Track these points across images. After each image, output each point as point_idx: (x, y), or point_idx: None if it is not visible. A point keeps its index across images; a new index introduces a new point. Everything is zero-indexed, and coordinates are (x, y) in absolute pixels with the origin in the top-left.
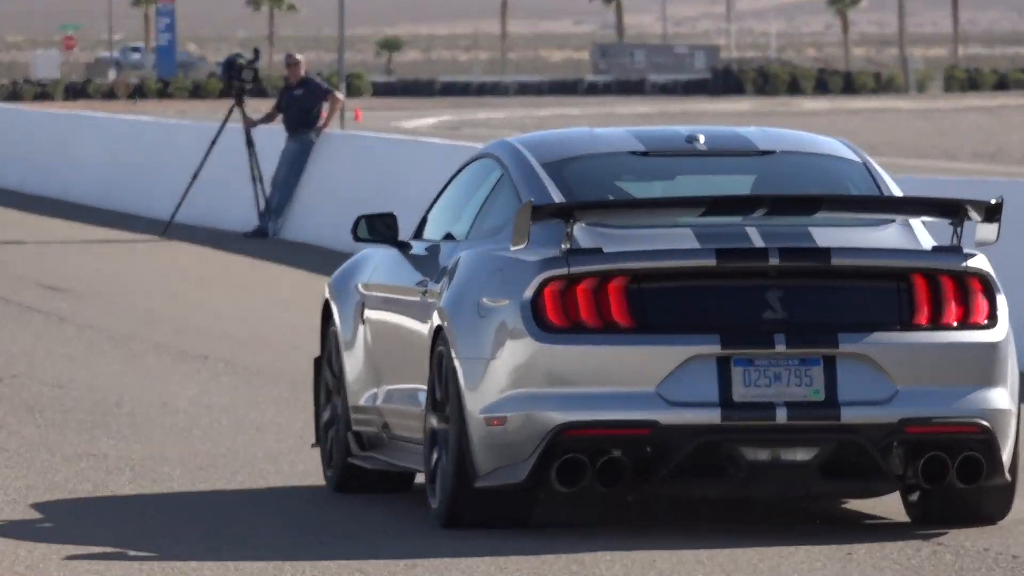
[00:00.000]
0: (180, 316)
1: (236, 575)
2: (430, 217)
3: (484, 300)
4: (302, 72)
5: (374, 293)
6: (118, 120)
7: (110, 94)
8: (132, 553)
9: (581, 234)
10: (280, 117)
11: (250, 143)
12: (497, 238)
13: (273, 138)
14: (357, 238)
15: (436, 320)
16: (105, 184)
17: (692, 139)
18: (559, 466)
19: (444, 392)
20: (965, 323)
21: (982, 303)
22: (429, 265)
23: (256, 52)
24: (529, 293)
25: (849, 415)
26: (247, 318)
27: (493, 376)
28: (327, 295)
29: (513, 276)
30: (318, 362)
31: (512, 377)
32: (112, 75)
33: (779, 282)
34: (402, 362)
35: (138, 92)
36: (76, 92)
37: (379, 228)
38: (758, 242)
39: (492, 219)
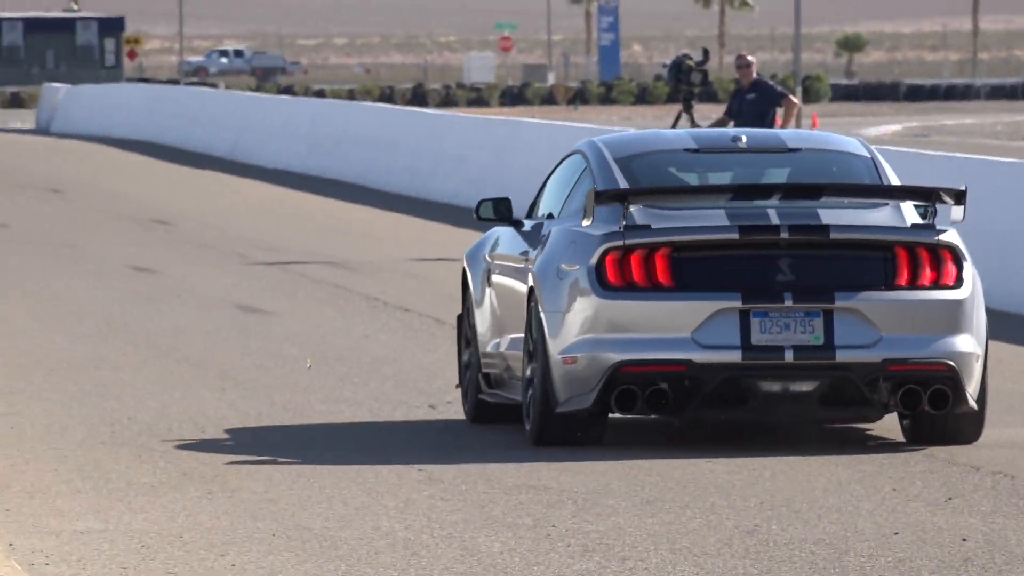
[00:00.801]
0: None
1: None
2: (538, 201)
3: (562, 265)
4: (754, 74)
5: (496, 262)
6: (556, 127)
7: (549, 99)
8: None
9: (636, 213)
10: (731, 123)
11: None
12: (576, 217)
13: None
14: (480, 218)
15: (530, 282)
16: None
17: (736, 139)
18: (617, 395)
19: (533, 339)
20: (937, 284)
21: (951, 269)
22: (532, 239)
23: (705, 53)
24: (594, 260)
25: (843, 356)
26: None
27: (567, 325)
28: (464, 265)
29: (582, 247)
30: (459, 318)
31: (581, 326)
32: (551, 79)
33: (788, 252)
34: (514, 316)
35: (579, 97)
36: (513, 97)
37: (499, 210)
38: (774, 220)
39: (576, 202)
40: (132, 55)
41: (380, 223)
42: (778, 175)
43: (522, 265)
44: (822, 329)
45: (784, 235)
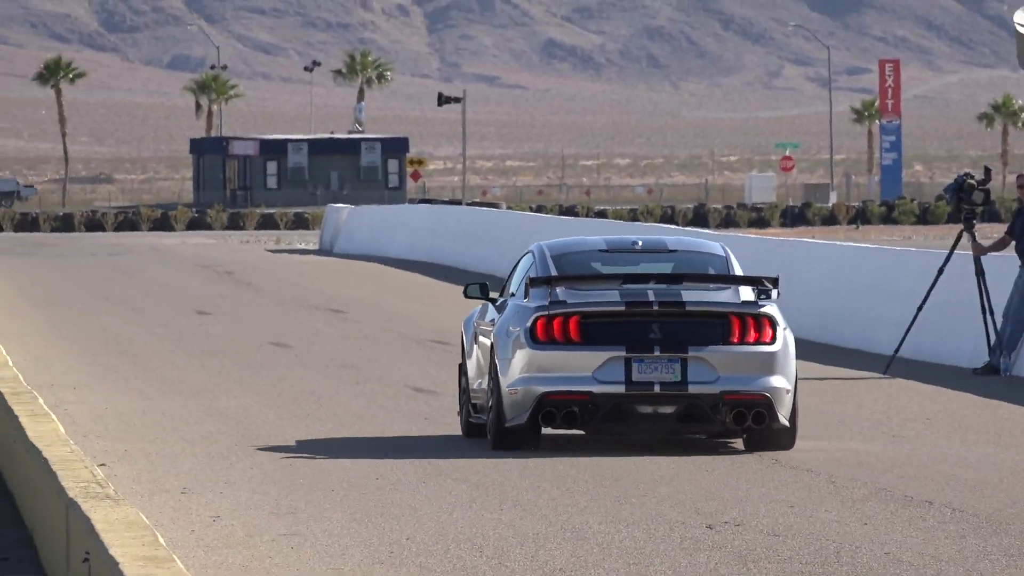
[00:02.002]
0: (903, 459)
1: None
2: (507, 284)
3: (510, 327)
4: None
5: (480, 326)
6: (836, 247)
7: (830, 219)
8: None
9: (559, 292)
10: (1012, 244)
11: (980, 272)
12: (522, 296)
13: (1005, 266)
14: (467, 296)
15: (490, 340)
16: (823, 316)
17: (635, 243)
18: (543, 415)
19: (492, 378)
20: (759, 341)
21: (769, 331)
22: (498, 310)
23: (987, 172)
24: (528, 324)
25: (693, 389)
26: (975, 461)
27: (511, 368)
28: (462, 329)
29: (522, 315)
30: (460, 366)
31: (520, 368)
32: (833, 198)
33: (658, 319)
34: (486, 364)
35: (860, 217)
36: (794, 217)
37: (482, 291)
38: (650, 298)
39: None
40: (416, 176)
41: None
42: (662, 268)
43: (491, 329)
44: (679, 371)
45: (655, 308)
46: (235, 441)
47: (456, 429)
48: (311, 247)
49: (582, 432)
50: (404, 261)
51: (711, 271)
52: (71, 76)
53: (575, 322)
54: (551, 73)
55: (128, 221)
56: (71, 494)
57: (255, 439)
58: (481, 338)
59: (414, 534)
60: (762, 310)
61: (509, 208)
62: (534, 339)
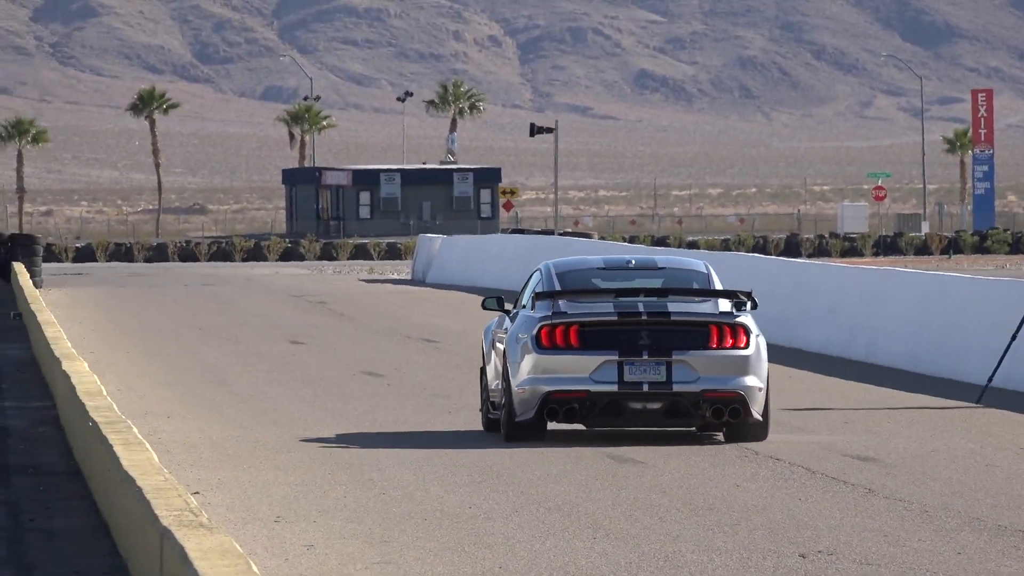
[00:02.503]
0: (996, 489)
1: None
2: (520, 298)
3: (519, 335)
4: None
5: (497, 334)
6: (928, 276)
7: (923, 248)
8: None
9: (561, 304)
10: None
11: None
12: (530, 307)
13: None
14: (485, 308)
15: (503, 345)
16: (914, 345)
17: (628, 262)
18: (547, 411)
19: (504, 379)
20: (734, 347)
21: (743, 338)
22: (511, 320)
23: None
24: (534, 332)
25: (677, 388)
26: None
27: (520, 370)
28: (482, 337)
29: (529, 324)
30: (481, 370)
31: (527, 370)
32: (925, 228)
33: (646, 327)
34: (501, 367)
35: (953, 246)
36: (886, 246)
37: (498, 304)
38: (640, 309)
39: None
40: (508, 206)
41: None
42: (652, 283)
43: (504, 335)
44: (665, 372)
45: (644, 318)
46: (328, 470)
47: (555, 460)
48: (403, 277)
49: (583, 427)
50: (496, 290)
51: (695, 286)
52: (165, 107)
53: (575, 330)
54: (643, 103)
55: (221, 251)
56: (165, 522)
57: (348, 468)
58: (497, 344)
59: (507, 563)
60: (737, 320)
61: (601, 238)
62: (539, 345)
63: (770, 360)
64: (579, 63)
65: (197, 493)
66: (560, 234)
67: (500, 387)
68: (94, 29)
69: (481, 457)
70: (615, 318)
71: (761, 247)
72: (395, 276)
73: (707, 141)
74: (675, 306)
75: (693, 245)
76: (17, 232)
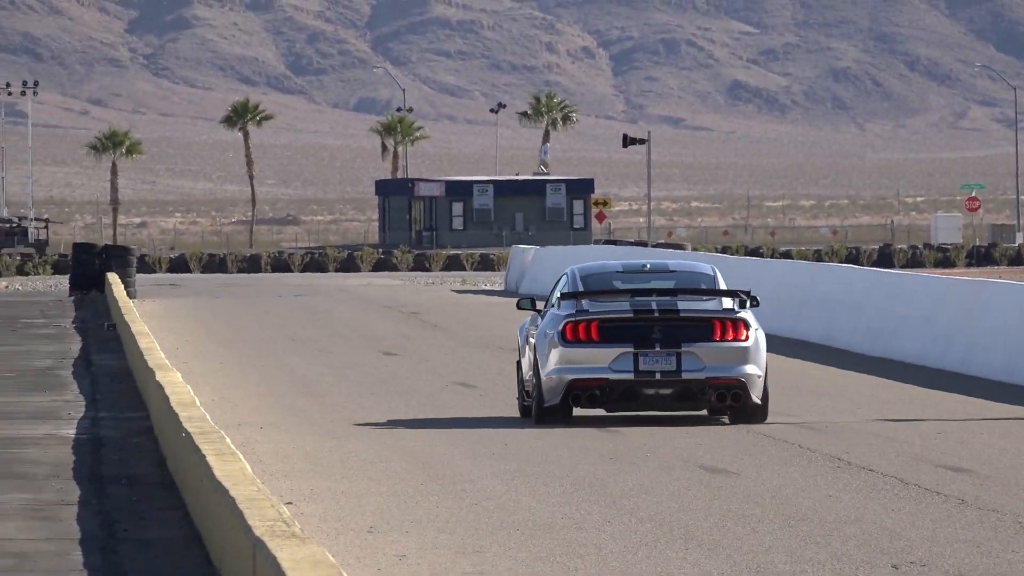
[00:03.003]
0: None
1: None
2: (551, 298)
3: (547, 331)
4: None
5: (530, 330)
6: (1021, 287)
7: (1017, 259)
8: None
9: (583, 304)
10: None
11: None
12: (557, 307)
13: None
14: (519, 308)
15: (534, 340)
16: (1011, 356)
17: (644, 266)
18: (572, 397)
19: (535, 370)
20: (736, 339)
21: (743, 331)
22: (541, 318)
23: None
24: (560, 328)
25: (686, 375)
26: None
27: (549, 361)
28: (518, 333)
29: (556, 321)
30: (518, 363)
31: (555, 361)
32: (1019, 238)
33: (658, 322)
34: (534, 359)
35: None
36: (980, 257)
37: (531, 304)
38: (653, 307)
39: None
40: (601, 217)
41: (844, 383)
42: (665, 284)
43: (536, 331)
44: (675, 362)
45: (656, 315)
46: (421, 480)
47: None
48: (496, 288)
49: (603, 411)
50: None
51: (703, 286)
52: (259, 119)
53: (595, 326)
54: (736, 115)
55: (314, 262)
56: (258, 533)
57: (440, 478)
58: (530, 339)
59: (599, 573)
60: (738, 315)
61: (694, 249)
62: (564, 339)
63: (866, 372)
64: (672, 74)
65: (290, 503)
66: (653, 245)
67: (532, 377)
68: (188, 41)
69: (573, 468)
70: (631, 315)
71: (854, 258)
72: (488, 287)
73: (800, 152)
74: (684, 304)
75: (786, 256)
76: (111, 243)
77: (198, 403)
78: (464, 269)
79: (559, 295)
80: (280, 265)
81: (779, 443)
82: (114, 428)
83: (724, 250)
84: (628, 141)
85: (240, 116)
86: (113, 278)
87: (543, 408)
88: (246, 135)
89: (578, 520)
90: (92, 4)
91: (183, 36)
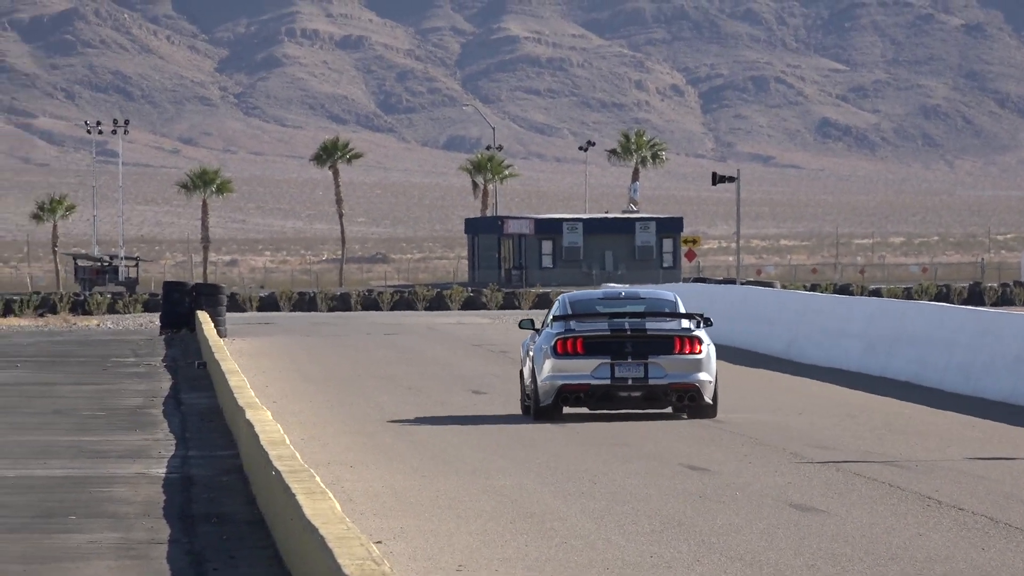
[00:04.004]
0: None
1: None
2: (547, 320)
3: (543, 346)
4: None
5: (529, 346)
6: None
7: None
8: None
9: (571, 324)
10: None
11: None
12: (550, 326)
13: None
14: (520, 327)
15: (532, 353)
16: None
17: (619, 293)
18: (561, 398)
19: (533, 377)
20: (692, 352)
21: (698, 346)
22: (539, 335)
23: None
24: (552, 343)
25: (651, 381)
26: None
27: (543, 370)
28: (520, 348)
29: (549, 338)
30: (520, 372)
31: (548, 370)
32: None
33: (629, 339)
34: (532, 368)
35: None
36: None
37: (531, 324)
38: (626, 327)
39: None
40: (690, 255)
41: (935, 421)
42: (636, 308)
43: (533, 346)
44: (643, 370)
45: (628, 333)
46: (510, 519)
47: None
48: None
49: (588, 409)
50: None
51: (666, 310)
52: (348, 157)
53: (580, 342)
54: (826, 152)
55: (404, 300)
56: (348, 571)
57: (530, 517)
58: (530, 353)
59: None
60: (694, 333)
61: (783, 287)
62: (556, 353)
63: (956, 410)
64: (761, 112)
65: (379, 542)
66: (742, 283)
67: (531, 383)
68: (278, 79)
69: (662, 506)
70: (608, 333)
71: (944, 296)
72: None
73: (890, 190)
74: (651, 324)
75: (875, 293)
76: (202, 282)
77: (288, 441)
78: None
79: (552, 317)
80: (370, 303)
81: (869, 482)
82: (204, 467)
83: (813, 288)
84: (717, 179)
85: (330, 154)
86: (203, 316)
87: (539, 407)
88: (336, 173)
89: (668, 559)
90: (183, 43)
91: (273, 74)
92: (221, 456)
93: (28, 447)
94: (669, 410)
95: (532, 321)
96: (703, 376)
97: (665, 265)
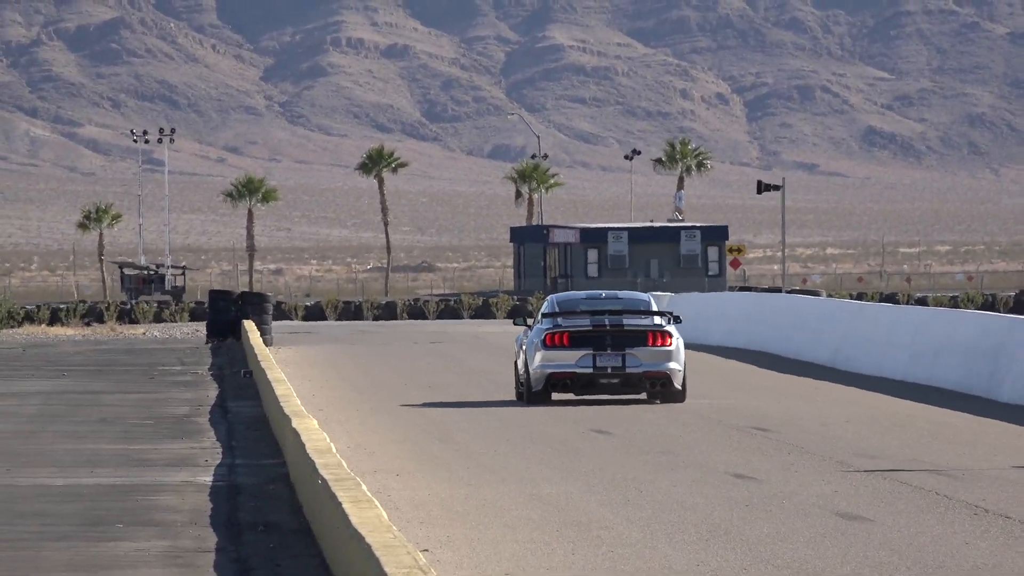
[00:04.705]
0: None
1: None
2: (536, 316)
3: (534, 340)
4: None
5: (522, 339)
6: None
7: None
8: None
9: (559, 321)
10: None
11: None
12: (540, 323)
13: None
14: (515, 324)
15: (525, 346)
16: None
17: (601, 294)
18: (550, 384)
19: (525, 366)
20: (663, 345)
21: (668, 339)
22: (531, 330)
23: None
24: (543, 337)
25: (628, 370)
26: None
27: (534, 360)
28: (515, 341)
29: (539, 333)
30: (515, 363)
31: (538, 360)
32: None
33: (609, 333)
34: (525, 359)
35: None
36: None
37: (523, 321)
38: (606, 323)
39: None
40: (735, 263)
41: (982, 430)
42: (615, 307)
43: (526, 339)
44: (621, 360)
45: (608, 328)
46: (557, 527)
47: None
48: None
49: (574, 395)
50: (723, 348)
51: (641, 308)
52: (394, 166)
53: (566, 336)
54: (871, 161)
55: (449, 309)
56: None
57: (576, 525)
58: (523, 346)
59: None
60: (664, 328)
61: (829, 296)
62: (545, 345)
63: (1003, 419)
64: (806, 120)
65: (426, 550)
66: (788, 292)
67: (524, 372)
68: (323, 88)
69: (709, 515)
70: (590, 328)
71: (990, 304)
72: None
73: (935, 198)
74: (627, 320)
75: (921, 302)
76: (248, 290)
77: (334, 450)
78: None
79: (542, 315)
80: (415, 312)
81: (915, 490)
82: (250, 475)
83: (859, 297)
84: (763, 187)
85: (375, 163)
86: (249, 325)
87: (531, 392)
88: (381, 182)
89: (714, 567)
90: (228, 52)
91: (318, 83)
92: (267, 464)
93: (75, 456)
94: (643, 395)
95: (524, 319)
96: (673, 365)
97: (710, 273)
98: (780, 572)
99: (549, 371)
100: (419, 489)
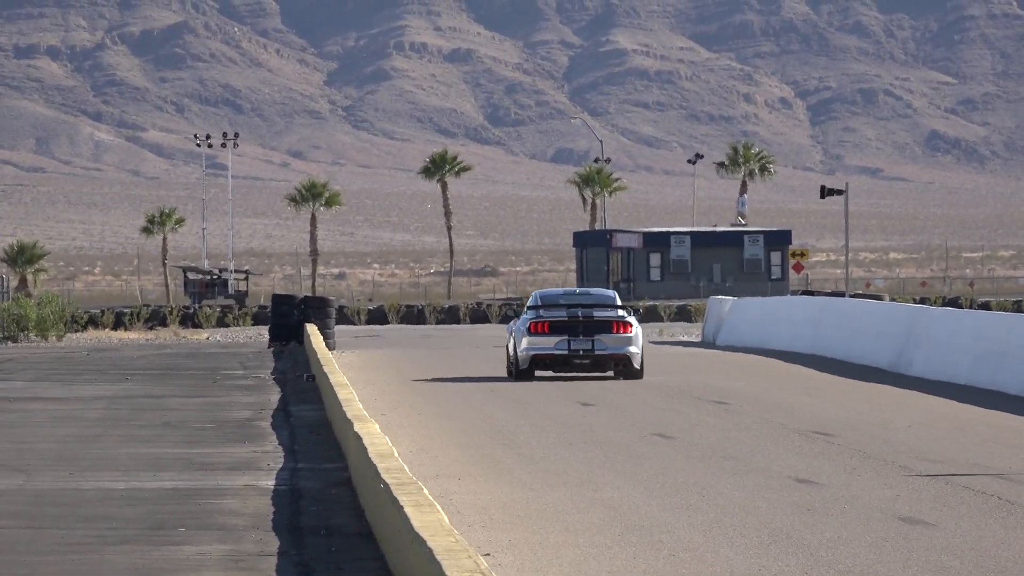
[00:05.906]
0: None
1: None
2: (523, 310)
3: (520, 327)
4: None
5: (511, 328)
6: None
7: None
8: None
9: (540, 311)
10: None
11: None
12: (526, 313)
13: None
14: (506, 316)
15: (514, 332)
16: None
17: (576, 291)
18: (534, 364)
19: (514, 348)
20: (624, 332)
21: (629, 328)
22: (519, 319)
23: None
24: (527, 325)
25: (597, 352)
26: None
27: (521, 344)
28: (507, 328)
29: (525, 322)
30: (506, 346)
31: (524, 344)
32: None
33: (582, 323)
34: (514, 343)
35: None
36: None
37: (513, 312)
38: (579, 315)
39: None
40: (798, 268)
41: None
42: (587, 302)
43: (515, 327)
44: (591, 344)
45: (581, 318)
46: (618, 532)
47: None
48: (694, 339)
49: (552, 372)
50: (786, 353)
51: (608, 303)
52: (456, 170)
53: (547, 324)
54: (934, 165)
55: (513, 313)
56: None
57: (638, 529)
58: (513, 332)
59: None
60: (626, 319)
61: (892, 300)
62: (530, 332)
63: None
64: (870, 124)
65: (488, 555)
66: (851, 296)
67: (513, 354)
68: (387, 92)
69: (771, 519)
70: (566, 318)
71: None
72: (685, 338)
73: (999, 203)
74: (597, 312)
75: (984, 307)
76: (311, 294)
77: (396, 454)
78: (661, 320)
79: (527, 307)
80: (478, 316)
81: (977, 495)
82: (313, 479)
83: (922, 301)
84: (826, 192)
85: (438, 167)
86: (312, 329)
87: (519, 371)
88: (444, 186)
89: (775, 572)
90: (292, 56)
91: (382, 88)
92: (329, 468)
93: (138, 459)
94: (610, 373)
95: (515, 311)
96: (633, 349)
97: (774, 278)
98: None
99: (533, 353)
100: (481, 493)
